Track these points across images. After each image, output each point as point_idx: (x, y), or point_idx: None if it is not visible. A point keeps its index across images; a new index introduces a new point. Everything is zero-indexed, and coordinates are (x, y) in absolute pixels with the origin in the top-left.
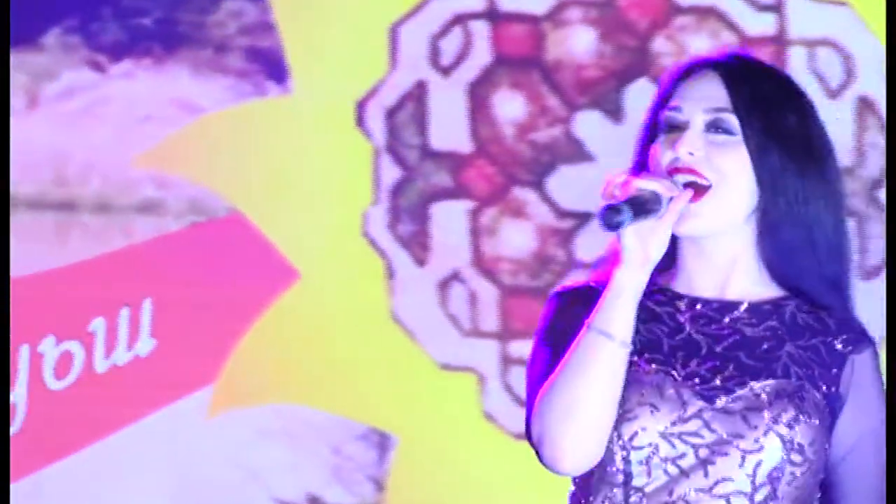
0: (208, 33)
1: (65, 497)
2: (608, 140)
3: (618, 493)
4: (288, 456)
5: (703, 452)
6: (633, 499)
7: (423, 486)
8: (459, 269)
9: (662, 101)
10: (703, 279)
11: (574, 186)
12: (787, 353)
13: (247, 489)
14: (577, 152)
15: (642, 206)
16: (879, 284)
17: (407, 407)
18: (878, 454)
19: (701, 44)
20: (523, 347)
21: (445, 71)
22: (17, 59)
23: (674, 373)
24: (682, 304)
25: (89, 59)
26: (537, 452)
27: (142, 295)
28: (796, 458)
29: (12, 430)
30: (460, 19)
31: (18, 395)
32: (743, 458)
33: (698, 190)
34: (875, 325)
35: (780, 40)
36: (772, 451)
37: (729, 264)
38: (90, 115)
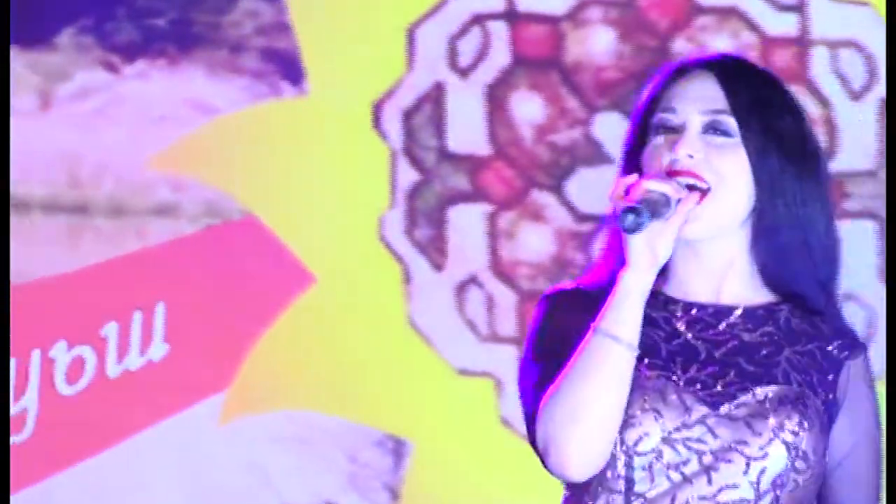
0: (224, 34)
1: None
2: None
3: (619, 498)
4: (302, 462)
5: (706, 459)
6: None
7: (439, 493)
8: (477, 274)
9: (652, 102)
10: (696, 283)
11: (593, 189)
12: (786, 358)
13: (260, 496)
14: (596, 154)
15: (654, 209)
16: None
17: (423, 413)
18: (873, 459)
19: (722, 44)
20: None
21: (463, 72)
22: (30, 60)
23: (674, 378)
24: (676, 309)
25: (103, 60)
26: (542, 459)
27: (155, 299)
28: (800, 465)
29: (23, 435)
30: (479, 20)
31: (29, 400)
32: (747, 464)
33: (698, 193)
34: None
35: (802, 41)
36: (777, 459)
37: (723, 268)
38: (104, 117)
